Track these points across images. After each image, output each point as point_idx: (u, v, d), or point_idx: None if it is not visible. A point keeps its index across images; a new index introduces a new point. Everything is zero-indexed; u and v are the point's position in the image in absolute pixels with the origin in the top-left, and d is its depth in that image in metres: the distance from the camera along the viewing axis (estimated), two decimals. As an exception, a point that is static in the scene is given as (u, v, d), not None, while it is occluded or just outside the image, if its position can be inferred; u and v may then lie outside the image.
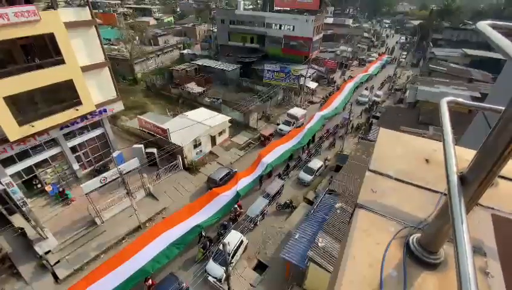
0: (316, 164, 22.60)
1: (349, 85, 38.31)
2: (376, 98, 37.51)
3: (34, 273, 14.24)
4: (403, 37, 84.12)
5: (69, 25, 15.33)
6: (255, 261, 15.87)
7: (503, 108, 0.97)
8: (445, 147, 1.11)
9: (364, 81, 44.30)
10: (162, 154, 20.62)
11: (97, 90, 18.42)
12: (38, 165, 17.73)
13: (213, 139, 24.78)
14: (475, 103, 1.52)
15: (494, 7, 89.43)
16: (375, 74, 49.09)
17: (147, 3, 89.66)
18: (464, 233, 0.84)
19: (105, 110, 19.29)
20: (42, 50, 14.96)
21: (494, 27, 1.06)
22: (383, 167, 2.09)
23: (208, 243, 15.62)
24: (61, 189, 18.24)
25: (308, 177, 21.48)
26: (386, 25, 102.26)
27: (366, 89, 41.44)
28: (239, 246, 15.21)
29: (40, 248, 14.61)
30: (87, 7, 16.18)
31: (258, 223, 17.79)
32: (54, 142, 18.00)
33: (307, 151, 25.40)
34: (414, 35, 74.04)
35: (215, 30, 50.03)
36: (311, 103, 36.64)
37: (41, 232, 14.81)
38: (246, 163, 22.98)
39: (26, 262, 14.63)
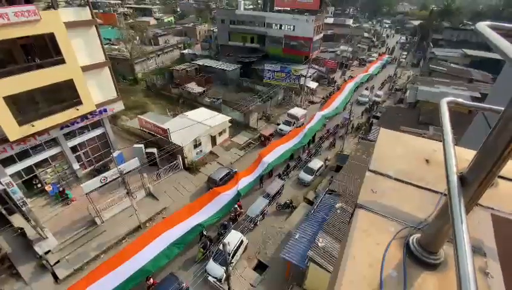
0: (316, 164, 22.60)
1: (350, 85, 38.31)
2: (376, 98, 37.50)
3: (34, 274, 14.23)
4: (403, 37, 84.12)
5: (69, 25, 15.33)
6: (255, 261, 15.86)
7: (503, 108, 0.97)
8: (445, 147, 1.11)
9: (365, 81, 44.30)
10: (162, 154, 20.62)
11: (97, 90, 18.42)
12: (38, 165, 17.73)
13: (213, 139, 24.78)
14: (475, 103, 1.52)
15: (493, 8, 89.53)
16: (376, 74, 49.09)
17: (147, 3, 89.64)
18: (464, 233, 0.84)
19: (105, 110, 19.30)
20: (42, 50, 14.97)
21: (493, 28, 1.07)
22: (383, 167, 2.09)
23: (208, 243, 15.62)
24: (61, 189, 18.24)
25: (308, 177, 21.48)
26: (387, 25, 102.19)
27: (367, 89, 41.44)
28: (239, 246, 15.21)
29: (39, 248, 14.60)
30: (88, 7, 16.18)
31: (258, 223, 17.79)
32: (54, 142, 18.00)
33: (307, 151, 25.41)
34: (414, 36, 74.05)
35: (216, 30, 50.10)
36: (312, 102, 36.64)
37: (41, 232, 14.80)
38: (246, 163, 22.98)
39: (25, 262, 14.62)
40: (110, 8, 67.84)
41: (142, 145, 21.22)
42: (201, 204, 16.67)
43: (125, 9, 70.13)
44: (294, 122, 28.54)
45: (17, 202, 15.61)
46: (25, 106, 15.10)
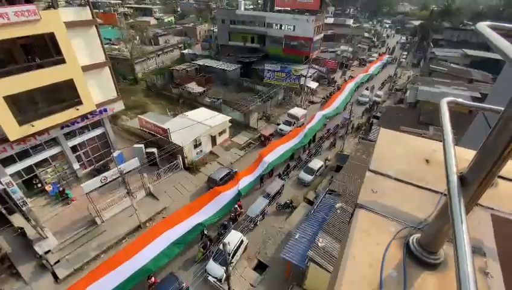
0: (316, 164, 22.60)
1: (350, 85, 38.32)
2: (376, 98, 37.50)
3: (34, 273, 14.23)
4: (404, 37, 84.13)
5: (70, 25, 15.33)
6: (255, 261, 15.87)
7: (503, 108, 0.97)
8: (445, 147, 1.11)
9: (365, 81, 44.30)
10: (163, 154, 20.63)
11: (97, 90, 18.43)
12: (38, 164, 17.73)
13: (213, 139, 24.78)
14: (475, 104, 1.52)
15: (493, 8, 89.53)
16: (376, 74, 49.08)
17: (147, 3, 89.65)
18: (464, 233, 0.84)
19: (105, 110, 19.30)
20: (43, 50, 14.96)
21: (493, 28, 1.07)
22: (383, 167, 2.09)
23: (208, 243, 15.62)
24: (61, 188, 18.24)
25: (308, 177, 21.48)
26: (387, 25, 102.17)
27: (367, 89, 41.42)
28: (239, 246, 15.21)
29: (39, 248, 14.60)
30: (88, 7, 16.16)
31: (258, 223, 17.79)
32: (54, 142, 18.00)
33: (307, 151, 25.42)
34: (414, 36, 74.06)
35: (216, 30, 50.08)
36: (312, 102, 36.64)
37: (41, 231, 14.80)
38: (246, 163, 22.98)
39: (25, 262, 14.62)
40: (111, 7, 67.83)
41: (142, 145, 21.22)
42: (202, 204, 16.67)
43: (126, 9, 70.10)
44: (294, 122, 28.55)
45: (17, 202, 15.62)
46: (25, 106, 15.10)
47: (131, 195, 15.94)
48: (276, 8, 42.76)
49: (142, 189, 18.88)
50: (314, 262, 12.56)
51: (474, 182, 1.09)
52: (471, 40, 52.53)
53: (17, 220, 15.84)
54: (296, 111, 30.11)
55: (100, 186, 16.44)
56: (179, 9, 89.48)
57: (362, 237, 1.65)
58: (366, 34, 74.26)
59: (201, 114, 25.80)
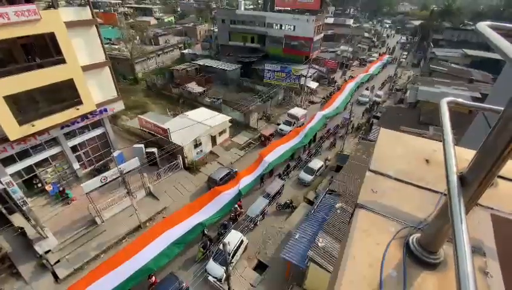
0: (316, 164, 22.60)
1: (350, 85, 38.31)
2: (377, 98, 37.49)
3: (34, 273, 14.24)
4: (404, 37, 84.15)
5: (70, 25, 15.33)
6: (255, 261, 15.87)
7: (503, 108, 0.97)
8: (445, 147, 1.11)
9: (365, 81, 44.29)
10: (163, 154, 20.63)
11: (98, 90, 18.43)
12: (38, 164, 17.74)
13: (213, 139, 24.78)
14: (475, 103, 1.52)
15: (493, 8, 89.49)
16: (376, 74, 49.07)
17: (147, 3, 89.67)
18: (464, 233, 0.84)
19: (105, 110, 19.30)
20: (43, 49, 14.97)
21: (493, 28, 1.07)
22: (383, 167, 2.09)
23: (208, 243, 15.63)
24: (61, 188, 18.24)
25: (308, 177, 21.48)
26: (387, 25, 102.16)
27: (367, 89, 41.44)
28: (239, 246, 15.21)
29: (40, 248, 14.61)
30: (88, 6, 16.17)
31: (258, 223, 17.79)
32: (54, 142, 18.01)
33: (307, 151, 25.42)
34: (415, 36, 74.09)
35: (216, 30, 50.07)
36: (312, 102, 36.64)
37: (41, 231, 14.81)
38: (246, 163, 22.98)
39: (26, 261, 14.63)
40: (111, 7, 67.84)
41: (142, 145, 21.23)
42: (202, 203, 16.67)
43: (126, 9, 70.13)
44: (294, 122, 28.55)
45: (18, 202, 15.62)
46: (25, 106, 15.11)
47: (131, 195, 15.94)
48: (276, 8, 42.75)
49: (142, 189, 18.89)
50: (314, 262, 12.56)
51: (474, 182, 1.09)
52: (471, 40, 52.52)
53: (17, 219, 15.84)
54: (296, 111, 30.11)
55: (100, 186, 16.44)
56: (179, 9, 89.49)
57: (362, 237, 1.65)
58: (366, 34, 74.26)
59: (201, 114, 25.81)
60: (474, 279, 0.74)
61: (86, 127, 19.43)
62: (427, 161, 2.13)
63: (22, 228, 15.33)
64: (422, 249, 1.46)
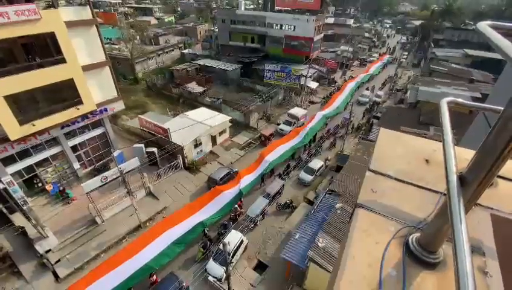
0: (316, 164, 22.59)
1: (350, 85, 38.29)
2: (377, 99, 37.48)
3: (35, 272, 14.26)
4: (404, 37, 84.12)
5: (70, 24, 15.33)
6: (255, 261, 15.87)
7: (503, 108, 0.97)
8: (445, 147, 1.11)
9: (365, 81, 44.27)
10: (163, 153, 20.64)
11: (98, 90, 18.44)
12: (39, 164, 17.76)
13: (213, 139, 24.79)
14: (475, 103, 1.52)
15: (495, 8, 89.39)
16: (376, 74, 49.04)
17: (147, 2, 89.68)
18: (463, 233, 0.84)
19: (106, 110, 19.31)
20: (43, 49, 14.98)
21: (494, 28, 1.07)
22: (383, 167, 2.09)
23: (208, 243, 15.63)
24: (61, 188, 18.26)
25: (308, 177, 21.48)
26: (387, 25, 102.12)
27: (367, 89, 41.43)
28: (239, 246, 15.21)
29: (40, 247, 14.63)
30: (88, 6, 16.18)
31: (258, 223, 17.79)
32: (54, 141, 18.02)
33: (307, 151, 25.42)
34: (415, 36, 74.01)
35: (216, 30, 50.08)
36: (312, 102, 36.64)
37: (42, 231, 14.83)
38: (246, 163, 22.98)
39: (26, 261, 14.66)
40: (111, 7, 67.89)
41: (142, 145, 21.23)
42: (202, 203, 16.66)
43: (126, 8, 70.15)
44: (294, 122, 28.54)
45: (18, 201, 15.61)
46: (25, 105, 15.12)
47: (132, 195, 15.95)
48: (277, 8, 42.73)
49: (142, 189, 18.90)
50: (314, 262, 12.56)
51: (474, 182, 1.09)
52: (472, 40, 52.44)
53: (17, 219, 15.87)
54: (296, 111, 30.11)
55: (100, 186, 16.44)
56: (179, 9, 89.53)
57: (362, 237, 1.65)
58: (366, 34, 74.24)
59: (201, 114, 25.81)
60: (474, 278, 0.74)
61: (86, 127, 19.44)
62: (427, 161, 2.13)
63: (22, 228, 15.35)
64: (422, 249, 1.46)
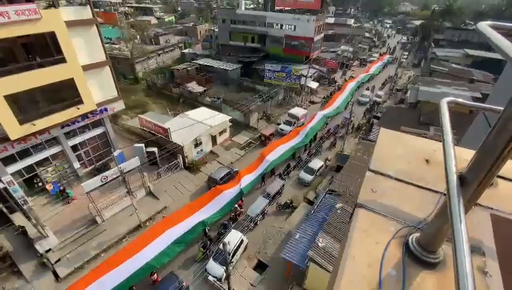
0: (316, 163, 22.59)
1: (351, 85, 38.30)
2: (377, 98, 37.47)
3: (35, 272, 14.28)
4: (404, 37, 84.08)
5: (70, 24, 15.34)
6: (255, 260, 15.88)
7: (503, 108, 0.97)
8: (445, 147, 1.11)
9: (366, 81, 44.27)
10: (163, 153, 20.64)
11: (98, 89, 18.44)
12: (39, 163, 17.77)
13: (214, 139, 24.79)
14: (475, 103, 1.52)
15: (495, 8, 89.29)
16: (377, 74, 49.02)
17: (148, 2, 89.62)
18: (463, 233, 0.84)
19: (106, 109, 19.32)
20: (43, 49, 14.98)
21: (494, 28, 1.06)
22: (383, 167, 2.09)
23: (208, 243, 15.64)
24: (62, 188, 18.27)
25: (308, 177, 21.48)
26: (388, 25, 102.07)
27: (367, 89, 41.42)
28: (239, 246, 15.22)
29: (40, 247, 14.64)
30: (88, 6, 16.18)
31: (258, 222, 17.79)
32: (55, 141, 18.03)
33: (307, 151, 25.42)
34: (415, 36, 74.01)
35: (216, 29, 50.01)
36: (312, 102, 36.63)
37: (42, 230, 14.84)
38: (246, 162, 22.98)
39: (26, 260, 14.67)
40: (111, 7, 67.79)
41: (142, 145, 21.23)
42: (203, 202, 16.68)
43: (126, 8, 70.10)
44: (294, 122, 28.54)
45: (18, 201, 15.62)
46: (25, 105, 15.13)
47: (132, 194, 15.96)
48: (277, 7, 42.70)
49: (142, 188, 18.91)
50: (314, 262, 12.56)
51: (474, 182, 1.09)
52: (472, 40, 52.41)
53: (18, 219, 15.88)
54: (297, 111, 30.10)
55: (100, 186, 16.44)
56: (179, 9, 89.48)
57: (362, 237, 1.65)
58: (366, 34, 74.16)
59: (201, 114, 25.81)
60: (473, 278, 0.74)
61: (87, 127, 19.45)
62: (427, 161, 2.13)
63: (22, 227, 15.37)
64: (422, 249, 1.46)
